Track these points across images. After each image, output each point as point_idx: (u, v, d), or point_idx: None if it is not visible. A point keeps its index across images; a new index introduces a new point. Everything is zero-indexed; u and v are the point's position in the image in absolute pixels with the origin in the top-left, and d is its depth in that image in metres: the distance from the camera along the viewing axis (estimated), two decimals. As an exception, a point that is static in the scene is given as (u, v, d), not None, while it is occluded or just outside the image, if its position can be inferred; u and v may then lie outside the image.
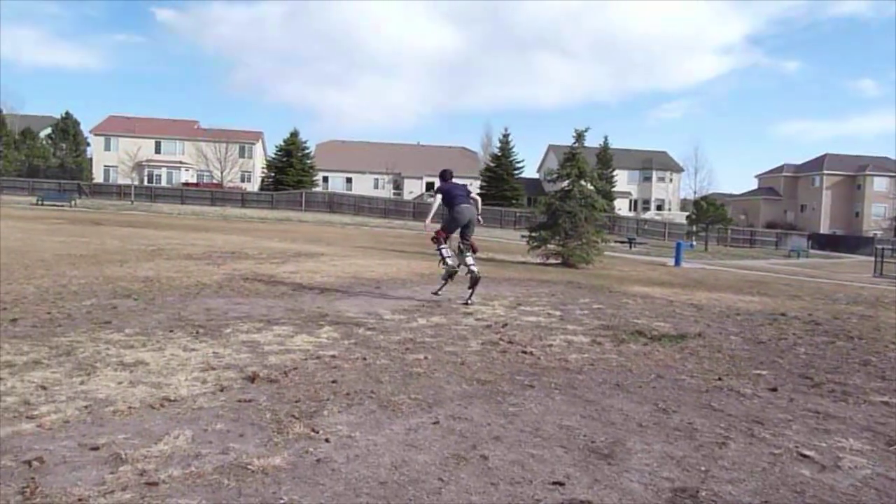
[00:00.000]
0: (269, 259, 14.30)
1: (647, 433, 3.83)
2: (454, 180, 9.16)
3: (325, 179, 68.72)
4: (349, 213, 54.17)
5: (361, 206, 55.14)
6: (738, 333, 7.49)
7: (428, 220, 8.70)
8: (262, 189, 63.22)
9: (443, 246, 9.02)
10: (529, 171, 74.85)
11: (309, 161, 64.06)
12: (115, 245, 16.05)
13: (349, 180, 69.90)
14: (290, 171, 61.37)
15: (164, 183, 64.67)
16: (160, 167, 66.72)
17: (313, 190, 60.45)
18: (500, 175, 63.53)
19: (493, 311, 8.26)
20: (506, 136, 66.42)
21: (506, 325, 7.18)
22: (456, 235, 9.10)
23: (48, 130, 67.90)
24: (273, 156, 64.97)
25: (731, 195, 76.22)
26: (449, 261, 9.01)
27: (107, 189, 55.78)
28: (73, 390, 4.09)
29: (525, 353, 5.79)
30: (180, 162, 67.38)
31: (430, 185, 69.75)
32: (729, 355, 6.19)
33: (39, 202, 45.34)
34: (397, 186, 69.72)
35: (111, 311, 6.87)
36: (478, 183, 66.83)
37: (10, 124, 63.55)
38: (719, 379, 5.21)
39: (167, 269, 11.12)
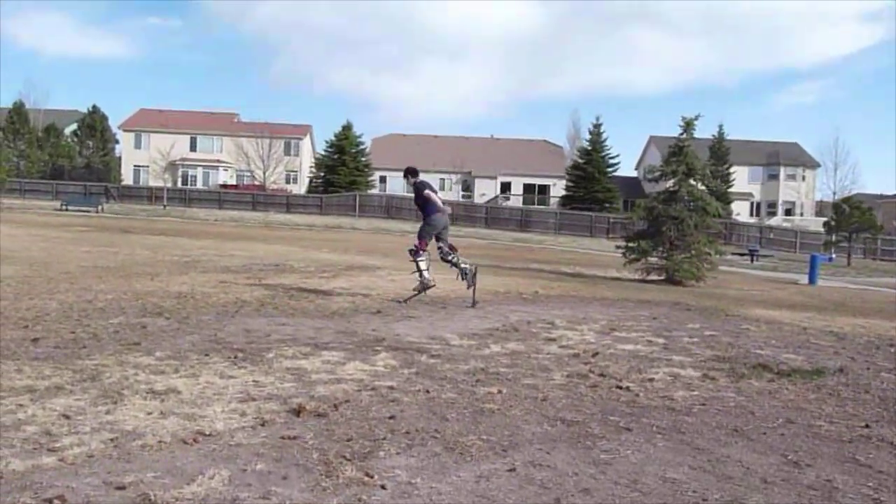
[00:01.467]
0: (317, 273, 14.62)
1: (774, 491, 3.70)
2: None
3: (383, 179, 69.81)
4: (410, 219, 54.72)
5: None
6: (892, 370, 7.17)
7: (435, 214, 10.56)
8: (309, 191, 64.83)
9: (421, 258, 10.49)
10: (626, 169, 73.97)
11: (364, 158, 65.24)
12: (146, 256, 16.77)
13: (412, 181, 70.85)
14: (342, 171, 62.52)
15: (199, 185, 67.19)
16: (195, 167, 69.42)
17: (369, 192, 61.50)
18: (589, 173, 62.88)
19: (581, 336, 8.19)
20: (597, 126, 65.79)
21: (596, 354, 7.11)
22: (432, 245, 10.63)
23: (73, 126, 71.52)
24: (323, 153, 66.54)
25: (881, 196, 72.96)
26: (426, 274, 10.47)
27: (137, 192, 58.56)
28: (99, 420, 4.28)
29: (620, 388, 5.70)
30: (218, 161, 69.89)
31: (505, 186, 69.92)
32: (879, 397, 5.93)
33: (64, 207, 47.99)
34: (467, 188, 70.20)
35: (140, 330, 7.19)
36: (562, 183, 66.52)
37: (32, 120, 67.22)
38: (866, 426, 5.00)
39: (202, 283, 11.55)
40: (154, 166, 66.88)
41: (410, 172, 11.14)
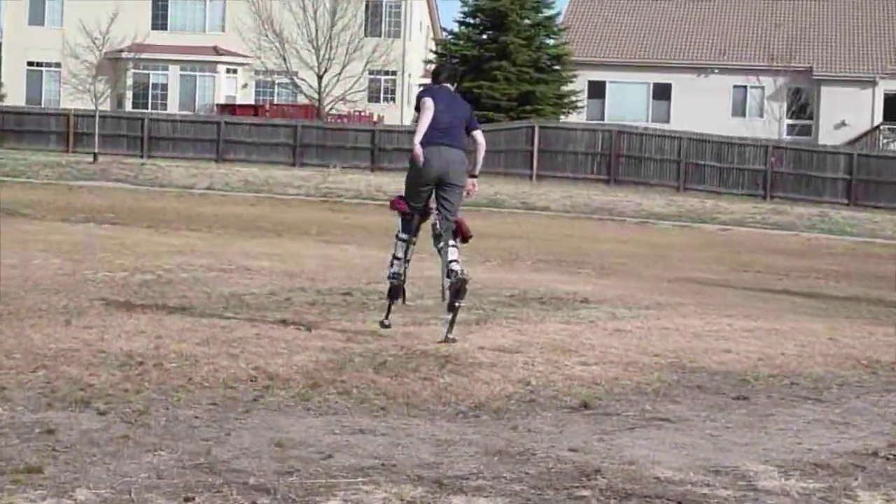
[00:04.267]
0: (440, 310, 14.75)
1: None
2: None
3: (597, 90, 69.71)
4: (662, 182, 54.51)
5: (697, 163, 55.24)
6: None
7: (417, 145, 12.58)
8: (425, 120, 65.25)
9: (401, 234, 12.98)
10: None
11: (552, 40, 65.30)
12: (55, 270, 17.47)
13: (663, 90, 70.40)
14: (502, 70, 62.68)
15: (173, 106, 69.25)
16: (164, 65, 71.89)
17: (562, 121, 61.52)
18: None
19: None
20: None
21: None
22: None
23: None
24: (455, 29, 67.57)
25: None
26: (396, 267, 12.89)
27: (34, 122, 61.25)
28: None
29: None
30: (215, 52, 71.84)
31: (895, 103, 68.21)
32: None
33: None
34: (802, 108, 68.96)
35: (44, 440, 7.48)
36: None
37: None
38: None
39: (180, 333, 11.97)
40: (73, 64, 68.45)
41: (434, 74, 13.64)
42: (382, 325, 12.74)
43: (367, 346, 11.73)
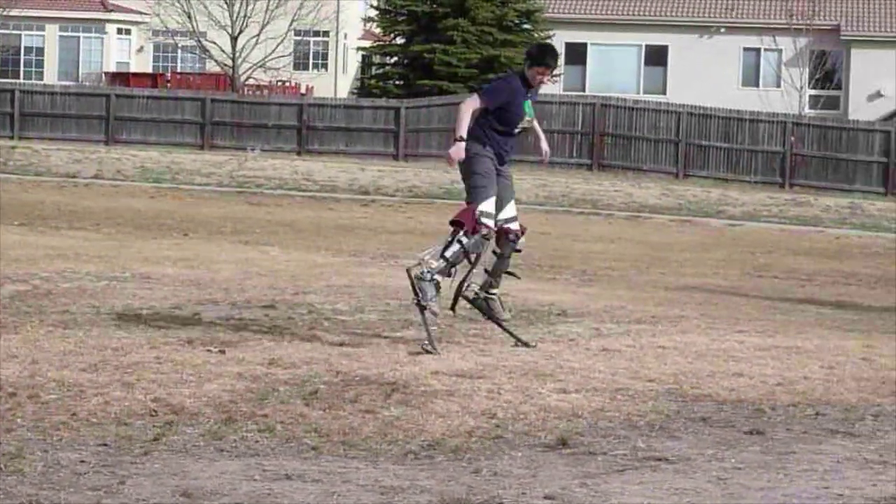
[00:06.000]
0: (382, 325, 14.76)
1: None
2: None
3: (577, 54, 70.06)
4: (657, 168, 54.83)
5: (700, 144, 55.61)
6: None
7: (455, 145, 13.57)
8: (367, 90, 65.32)
9: (449, 248, 13.58)
10: None
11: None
12: None
13: (658, 55, 70.80)
14: (459, 29, 62.80)
15: (51, 76, 69.00)
16: (37, 25, 71.29)
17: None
18: None
19: None
20: None
21: None
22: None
23: None
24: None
25: None
26: (430, 297, 13.34)
27: None
28: None
29: None
30: (103, 6, 71.51)
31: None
32: None
33: None
34: (827, 77, 69.45)
35: None
36: None
37: None
38: None
39: (60, 356, 11.88)
40: None
41: (528, 55, 14.92)
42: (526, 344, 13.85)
43: (295, 372, 11.64)
